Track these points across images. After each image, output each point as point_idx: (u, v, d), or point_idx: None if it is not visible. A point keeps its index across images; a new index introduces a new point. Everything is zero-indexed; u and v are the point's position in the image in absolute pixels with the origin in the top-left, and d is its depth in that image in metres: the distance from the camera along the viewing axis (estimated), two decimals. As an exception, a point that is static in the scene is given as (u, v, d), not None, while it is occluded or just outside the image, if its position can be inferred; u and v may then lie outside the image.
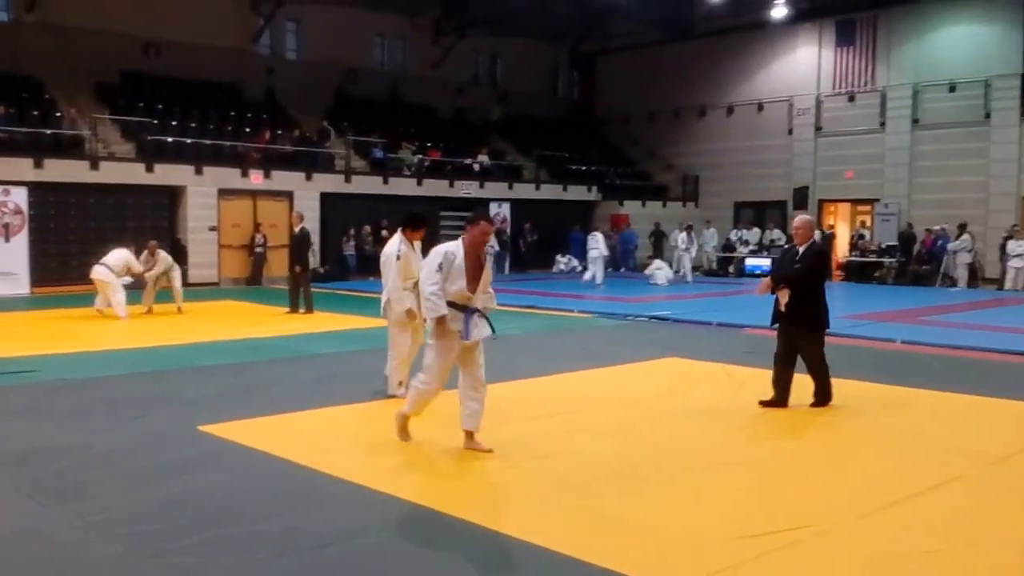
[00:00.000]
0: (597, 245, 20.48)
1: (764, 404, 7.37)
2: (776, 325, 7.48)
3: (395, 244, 7.26)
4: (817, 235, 25.41)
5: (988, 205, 23.02)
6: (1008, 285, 20.23)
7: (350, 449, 5.94)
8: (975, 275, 21.44)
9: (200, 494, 4.93)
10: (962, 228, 21.34)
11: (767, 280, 7.45)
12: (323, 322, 13.20)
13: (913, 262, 22.51)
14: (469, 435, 5.87)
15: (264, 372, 8.93)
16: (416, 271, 7.29)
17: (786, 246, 8.04)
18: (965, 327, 12.88)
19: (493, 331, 5.88)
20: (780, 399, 7.35)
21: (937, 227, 22.19)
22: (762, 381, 8.53)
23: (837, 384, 7.49)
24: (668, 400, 7.74)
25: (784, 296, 7.21)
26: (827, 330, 7.48)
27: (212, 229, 20.10)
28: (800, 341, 7.29)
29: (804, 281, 7.23)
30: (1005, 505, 4.91)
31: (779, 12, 25.76)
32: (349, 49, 26.48)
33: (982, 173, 23.20)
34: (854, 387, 7.89)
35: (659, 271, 21.03)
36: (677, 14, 28.54)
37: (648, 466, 5.62)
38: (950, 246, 21.37)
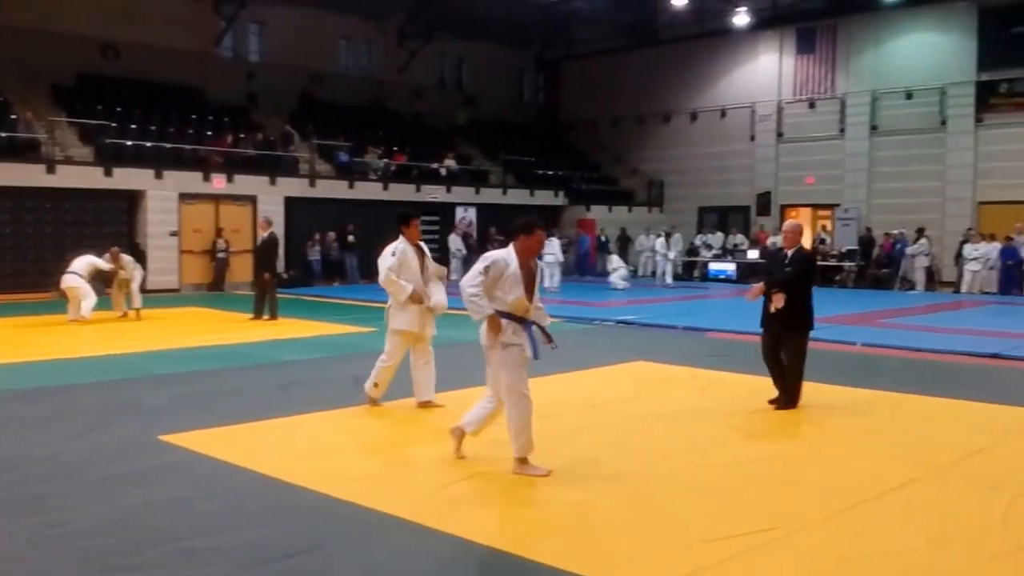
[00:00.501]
0: (553, 251, 20.61)
1: (772, 403, 7.53)
2: (763, 327, 7.62)
3: (393, 244, 7.24)
4: (780, 240, 25.59)
5: (944, 210, 23.49)
6: (964, 288, 20.64)
7: (315, 458, 5.86)
8: (932, 278, 21.85)
9: (161, 506, 4.83)
10: (920, 232, 21.75)
11: (759, 285, 7.56)
12: (287, 329, 13.06)
13: (872, 266, 22.89)
14: (460, 430, 5.76)
15: (227, 380, 8.80)
16: (416, 270, 7.18)
17: (773, 250, 8.23)
18: (924, 330, 13.10)
19: (550, 340, 5.62)
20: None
21: (895, 231, 22.59)
22: (728, 384, 8.63)
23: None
24: (636, 404, 7.76)
25: (780, 301, 7.33)
26: (811, 331, 7.60)
27: (173, 234, 19.81)
28: (786, 342, 7.42)
29: (795, 284, 7.36)
30: (965, 505, 4.98)
31: (741, 20, 26.06)
32: (314, 52, 26.31)
33: (938, 178, 23.66)
34: (817, 389, 7.97)
35: (615, 272, 21.07)
36: (641, 21, 28.76)
37: (615, 469, 5.62)
38: (908, 250, 21.75)
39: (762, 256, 23.00)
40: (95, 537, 4.32)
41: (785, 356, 7.44)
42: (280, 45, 25.93)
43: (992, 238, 20.86)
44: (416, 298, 7.15)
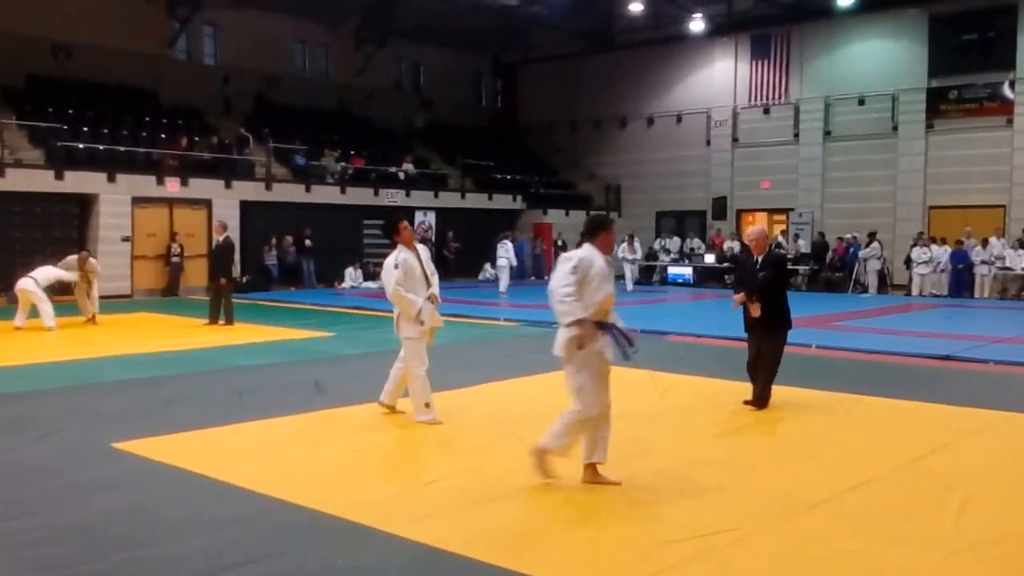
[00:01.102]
0: (506, 254, 20.64)
1: (748, 403, 7.66)
2: (748, 332, 7.76)
3: (393, 254, 7.01)
4: (736, 245, 25.61)
5: (896, 214, 23.98)
6: (915, 291, 21.09)
7: (273, 464, 5.77)
8: (884, 281, 22.28)
9: (115, 514, 4.72)
10: (872, 236, 22.16)
11: (741, 295, 7.65)
12: (244, 334, 12.88)
13: (826, 269, 23.27)
14: (592, 468, 5.26)
15: (183, 386, 8.64)
16: (420, 276, 6.97)
17: (743, 257, 8.38)
18: (876, 332, 13.34)
19: (631, 343, 5.34)
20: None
21: (848, 235, 22.99)
22: (686, 387, 8.70)
23: (751, 389, 7.66)
24: (595, 408, 7.75)
25: (757, 311, 7.48)
26: (790, 330, 7.76)
27: (125, 239, 19.39)
28: (767, 343, 7.55)
29: (772, 288, 7.49)
30: (919, 504, 5.07)
31: (697, 26, 26.34)
32: (270, 56, 26.04)
33: (890, 183, 24.16)
34: (773, 391, 8.02)
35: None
36: (598, 26, 28.95)
37: (574, 473, 5.60)
38: (861, 253, 22.16)
39: (729, 261, 23.27)
40: (52, 546, 4.21)
41: (763, 356, 7.54)
42: (235, 48, 25.59)
43: (943, 242, 21.34)
44: (419, 319, 6.89)
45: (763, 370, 7.56)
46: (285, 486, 5.20)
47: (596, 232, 5.27)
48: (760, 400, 7.57)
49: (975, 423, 7.22)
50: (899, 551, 4.33)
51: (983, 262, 20.66)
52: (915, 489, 5.36)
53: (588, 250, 5.20)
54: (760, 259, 7.66)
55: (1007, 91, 22.53)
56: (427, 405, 6.96)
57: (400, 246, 7.02)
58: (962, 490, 5.24)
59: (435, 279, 7.19)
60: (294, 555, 4.18)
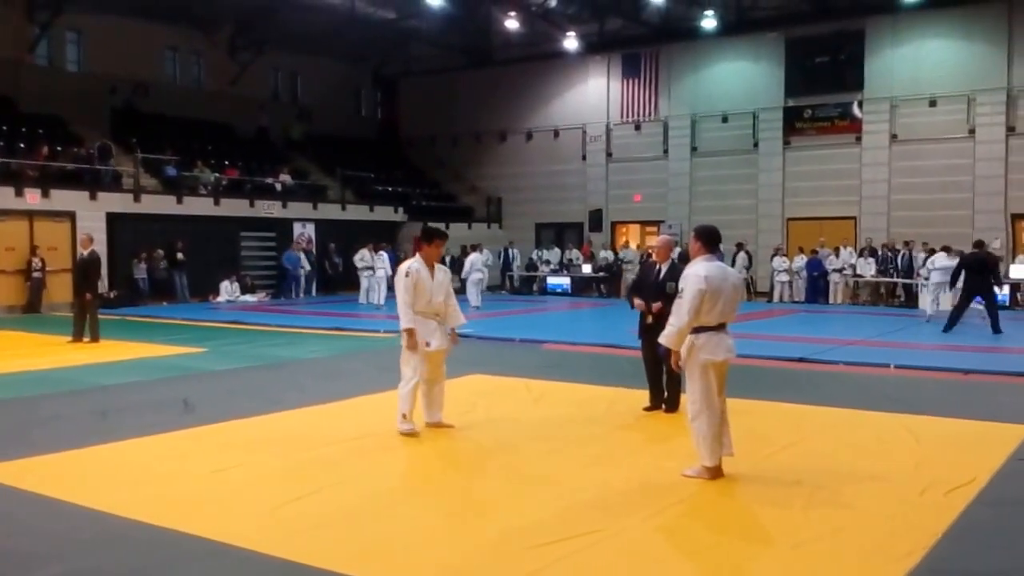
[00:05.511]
0: (384, 264, 20.65)
1: (646, 410, 7.94)
2: (641, 337, 8.01)
3: (408, 262, 6.97)
4: (611, 255, 26.06)
5: (758, 225, 25.26)
6: (775, 298, 22.30)
7: (140, 486, 5.62)
8: (749, 289, 23.42)
9: (-31, 542, 4.52)
10: (739, 247, 23.28)
11: (641, 302, 7.91)
12: (111, 351, 12.39)
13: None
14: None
15: (42, 407, 8.27)
16: (430, 293, 6.86)
17: (647, 263, 8.68)
18: (739, 336, 13.92)
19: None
20: (657, 403, 7.93)
21: (715, 246, 24.01)
22: (560, 393, 8.93)
23: (621, 393, 7.94)
24: (471, 416, 7.85)
25: (652, 314, 7.72)
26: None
27: (-20, 253, 18.34)
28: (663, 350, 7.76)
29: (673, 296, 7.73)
30: (771, 499, 5.37)
31: (571, 44, 26.99)
32: (138, 62, 25.08)
33: (752, 196, 25.44)
34: (636, 396, 8.35)
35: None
36: (476, 42, 29.28)
37: (446, 482, 5.75)
38: (736, 266, 23.20)
39: (604, 270, 23.79)
40: None
41: (665, 366, 7.75)
42: (101, 54, 24.53)
43: (800, 251, 22.64)
44: (411, 344, 6.85)
45: (671, 381, 7.71)
46: (148, 508, 5.06)
47: (712, 246, 5.86)
48: (672, 404, 7.77)
49: (824, 420, 7.66)
50: (750, 544, 4.60)
51: (836, 270, 22.02)
52: (767, 484, 5.67)
53: (707, 264, 5.75)
54: (664, 268, 7.86)
55: (856, 110, 24.14)
56: (404, 416, 6.95)
57: (419, 257, 6.98)
58: (810, 483, 5.57)
59: (452, 302, 7.12)
60: (157, 576, 4.11)
